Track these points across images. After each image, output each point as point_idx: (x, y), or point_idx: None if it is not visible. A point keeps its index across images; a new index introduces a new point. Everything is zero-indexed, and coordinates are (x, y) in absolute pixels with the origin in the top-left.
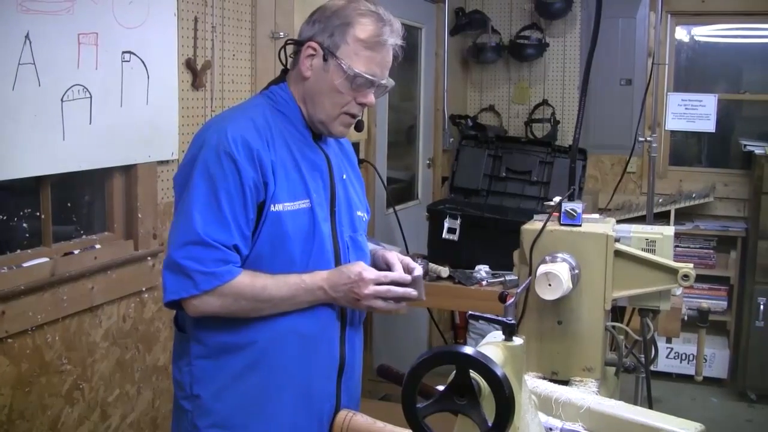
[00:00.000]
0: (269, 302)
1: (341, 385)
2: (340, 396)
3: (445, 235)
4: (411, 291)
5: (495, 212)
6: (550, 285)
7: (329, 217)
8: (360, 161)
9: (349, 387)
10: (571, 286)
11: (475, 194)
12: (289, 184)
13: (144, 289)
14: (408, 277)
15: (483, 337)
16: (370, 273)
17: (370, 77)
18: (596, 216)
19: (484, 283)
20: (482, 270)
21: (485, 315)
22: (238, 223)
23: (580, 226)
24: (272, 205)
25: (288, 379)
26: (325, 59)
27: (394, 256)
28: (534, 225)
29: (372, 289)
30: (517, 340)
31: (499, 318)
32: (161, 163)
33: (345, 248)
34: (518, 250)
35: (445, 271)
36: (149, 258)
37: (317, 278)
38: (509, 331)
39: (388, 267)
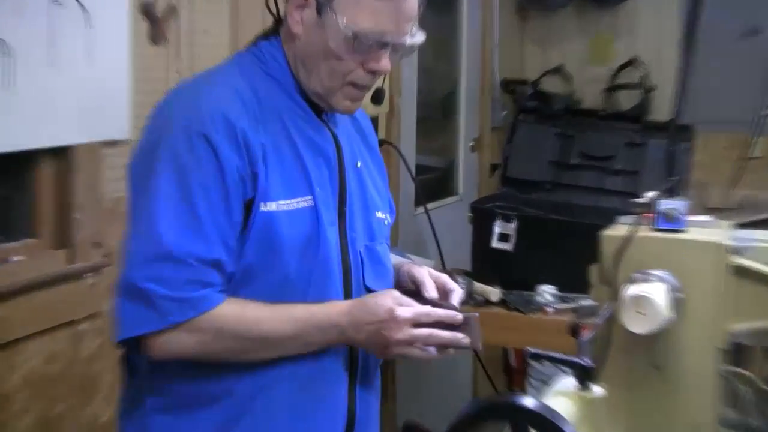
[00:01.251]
0: (264, 342)
1: None
2: None
3: (494, 243)
4: (461, 337)
5: (564, 213)
6: (641, 314)
7: (337, 219)
8: (379, 143)
9: None
10: (670, 315)
11: (537, 188)
12: (284, 174)
13: (81, 317)
14: (459, 316)
15: (548, 384)
16: (406, 311)
17: (378, 36)
18: (706, 218)
19: (549, 309)
20: (546, 292)
21: (551, 354)
22: (220, 229)
23: (683, 232)
24: (262, 204)
25: None
26: (318, 12)
27: (425, 273)
28: (618, 231)
29: (408, 333)
30: (597, 390)
31: (571, 358)
32: (108, 144)
33: (357, 263)
34: (597, 266)
35: (495, 293)
36: (89, 274)
37: (332, 312)
38: (585, 377)
39: (417, 287)
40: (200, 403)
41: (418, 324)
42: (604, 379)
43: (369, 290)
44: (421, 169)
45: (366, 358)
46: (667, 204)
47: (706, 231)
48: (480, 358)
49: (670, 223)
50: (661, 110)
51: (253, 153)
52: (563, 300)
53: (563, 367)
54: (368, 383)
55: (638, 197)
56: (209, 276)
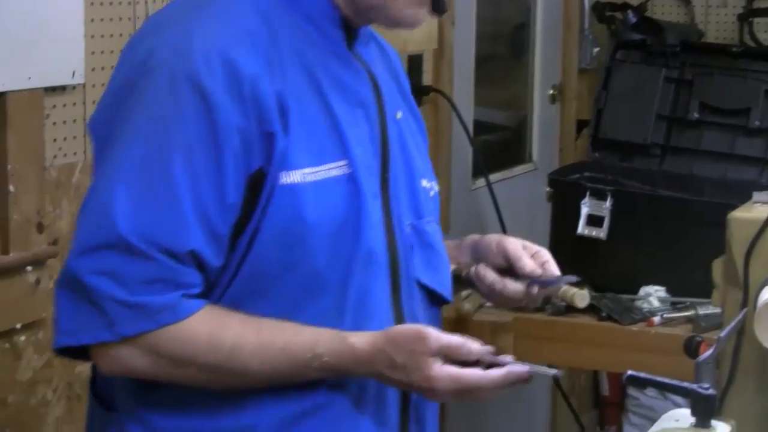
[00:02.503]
0: (241, 377)
1: None
2: None
3: (581, 229)
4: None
5: (677, 188)
6: None
7: (379, 190)
8: (425, 90)
9: None
10: None
11: (641, 153)
12: (310, 133)
13: (19, 326)
14: (523, 370)
15: (653, 420)
16: (445, 382)
17: None
18: None
19: (656, 320)
20: (653, 295)
21: (657, 379)
22: (204, 211)
23: None
24: (283, 174)
25: None
26: None
27: (518, 245)
28: (753, 212)
29: (446, 398)
30: (721, 428)
31: (686, 385)
32: (52, 90)
33: (406, 249)
34: (721, 259)
35: (582, 296)
36: (29, 268)
37: (346, 357)
38: (705, 410)
39: (509, 262)
40: None
41: (462, 390)
42: (730, 412)
43: (421, 285)
44: (481, 127)
45: None
46: None
47: None
48: (560, 385)
49: None
50: None
51: (267, 108)
52: (675, 307)
53: (674, 397)
54: (425, 417)
55: None
56: (180, 274)
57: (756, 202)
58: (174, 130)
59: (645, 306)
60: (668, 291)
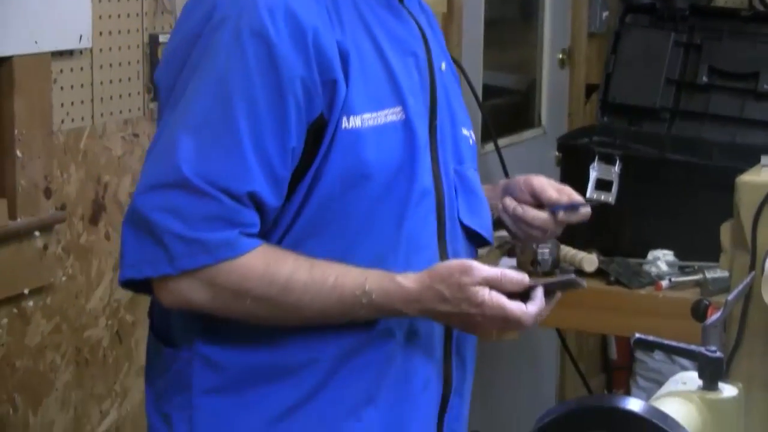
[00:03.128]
0: (293, 312)
1: (443, 425)
2: None
3: (590, 193)
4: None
5: (686, 152)
6: None
7: (428, 136)
8: None
9: (454, 429)
10: None
11: (650, 117)
12: (368, 80)
13: (27, 291)
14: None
15: (660, 383)
16: (494, 306)
17: None
18: None
19: (664, 283)
20: (661, 259)
21: (665, 342)
22: (265, 154)
23: None
24: (345, 119)
25: (364, 424)
26: None
27: (543, 181)
28: (761, 176)
29: (493, 326)
30: (728, 390)
31: (693, 348)
32: (60, 55)
33: (451, 193)
34: (730, 223)
35: (590, 261)
36: (37, 233)
37: (394, 296)
38: (712, 373)
39: (535, 197)
40: (271, 378)
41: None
42: (737, 375)
43: (463, 226)
44: (490, 91)
45: None
46: None
47: None
48: (568, 348)
49: None
50: None
51: (329, 57)
52: (683, 270)
53: (682, 360)
54: (465, 351)
55: None
56: (239, 213)
57: (764, 166)
58: (238, 80)
59: (653, 270)
60: (676, 255)
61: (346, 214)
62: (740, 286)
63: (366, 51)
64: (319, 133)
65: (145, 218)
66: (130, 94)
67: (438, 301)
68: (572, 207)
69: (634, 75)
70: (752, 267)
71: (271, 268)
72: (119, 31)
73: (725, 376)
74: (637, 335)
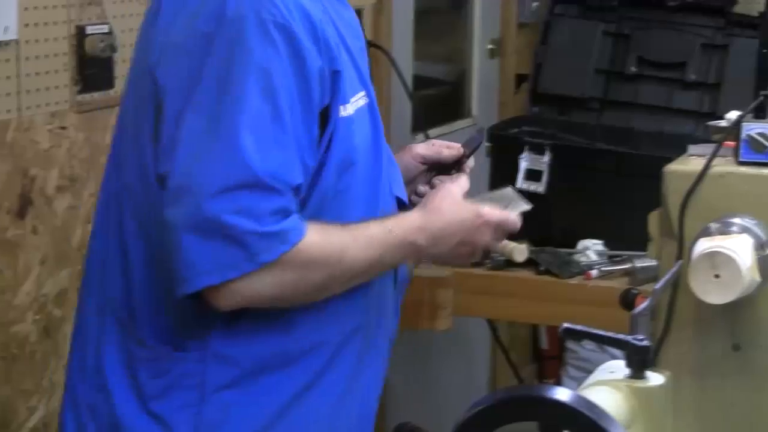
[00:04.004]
0: (347, 273)
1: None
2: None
3: (520, 183)
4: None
5: (615, 141)
6: (717, 277)
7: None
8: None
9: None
10: (757, 279)
11: (579, 107)
12: (345, 68)
13: None
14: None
15: (591, 372)
16: (489, 210)
17: None
18: None
19: (593, 273)
20: (590, 249)
21: (595, 331)
22: (301, 146)
23: None
24: (342, 108)
25: (359, 386)
26: None
27: (427, 144)
28: (688, 165)
29: (491, 234)
30: (656, 379)
31: (622, 337)
32: None
33: (388, 168)
34: (658, 212)
35: (521, 250)
36: None
37: (407, 229)
38: (641, 362)
39: (427, 163)
40: (281, 366)
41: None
42: (665, 363)
43: (397, 199)
44: (420, 82)
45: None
46: (755, 128)
47: None
48: (500, 338)
49: (760, 154)
50: None
51: (332, 48)
52: (613, 260)
53: (612, 350)
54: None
55: (717, 119)
56: (293, 203)
57: (691, 155)
58: (278, 73)
59: (583, 260)
60: (606, 244)
61: (339, 198)
62: (668, 275)
63: (337, 41)
64: (324, 122)
65: (217, 223)
66: (57, 87)
67: (440, 221)
68: (474, 141)
69: (564, 65)
70: (680, 256)
71: (325, 238)
72: (45, 23)
73: (653, 364)
74: (566, 325)
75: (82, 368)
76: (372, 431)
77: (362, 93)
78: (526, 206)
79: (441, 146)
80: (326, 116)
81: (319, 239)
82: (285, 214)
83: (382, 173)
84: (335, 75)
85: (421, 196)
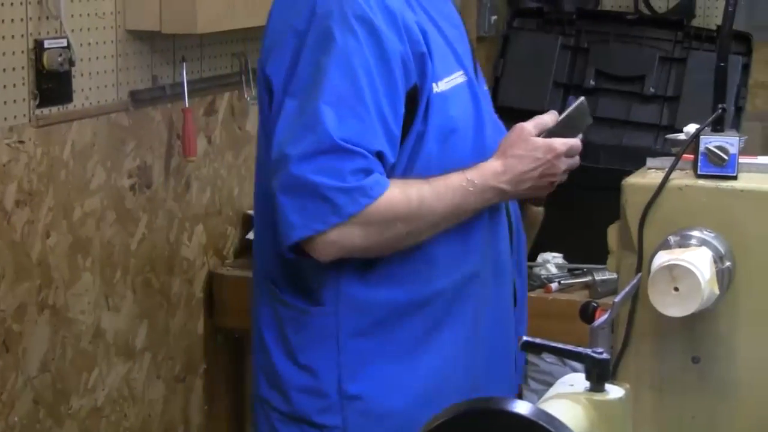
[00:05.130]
0: (429, 221)
1: (516, 333)
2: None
3: None
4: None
5: None
6: (676, 290)
7: (478, 92)
8: None
9: (521, 333)
10: (716, 291)
11: None
12: (439, 51)
13: None
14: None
15: (550, 385)
16: (558, 142)
17: None
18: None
19: (553, 286)
20: (551, 262)
21: (552, 344)
22: (384, 118)
23: (735, 178)
24: (435, 85)
25: (477, 337)
26: None
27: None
28: (647, 178)
29: (568, 161)
30: (615, 391)
31: (581, 350)
32: None
33: (496, 133)
34: (617, 225)
35: None
36: None
37: (486, 174)
38: (600, 374)
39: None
40: (405, 314)
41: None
42: (625, 376)
43: None
44: None
45: (519, 230)
46: (713, 140)
47: (767, 178)
48: None
49: (718, 167)
50: (711, 13)
51: (414, 33)
52: (573, 273)
53: (573, 363)
54: (523, 273)
55: (675, 132)
56: (375, 165)
57: (650, 168)
58: (357, 57)
59: (543, 273)
60: (566, 257)
61: (445, 163)
62: (627, 288)
63: (431, 27)
64: (413, 99)
65: (305, 182)
66: (15, 101)
67: (518, 162)
68: (570, 107)
69: (523, 78)
70: (639, 269)
71: (405, 191)
72: (3, 37)
73: (614, 377)
74: (525, 338)
75: (255, 337)
76: (510, 381)
77: (460, 72)
78: (590, 120)
79: (542, 117)
80: (418, 93)
81: (400, 192)
82: (366, 173)
83: (486, 141)
84: (421, 56)
85: None
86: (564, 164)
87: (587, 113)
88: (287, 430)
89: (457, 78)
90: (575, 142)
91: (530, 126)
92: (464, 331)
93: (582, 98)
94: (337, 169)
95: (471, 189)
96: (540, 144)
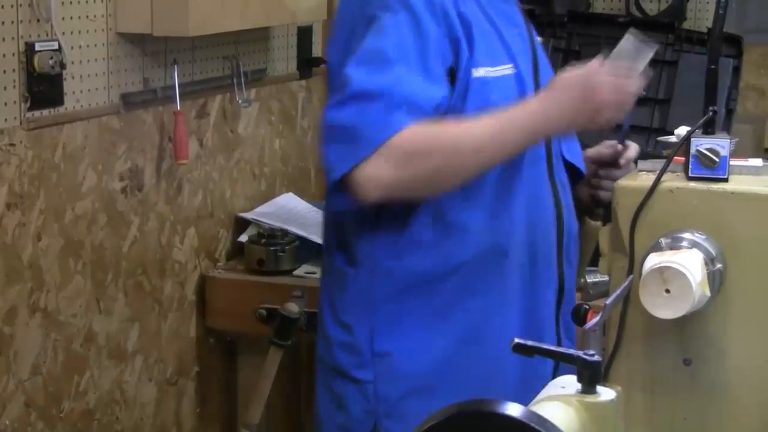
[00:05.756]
0: (467, 147)
1: (560, 317)
2: (560, 334)
3: None
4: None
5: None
6: (668, 292)
7: (534, 89)
8: (315, 61)
9: (567, 320)
10: (707, 293)
11: None
12: (487, 42)
13: None
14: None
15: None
16: (600, 67)
17: None
18: (759, 163)
19: None
20: None
21: (544, 346)
22: (415, 67)
23: (726, 180)
24: (474, 70)
25: (506, 311)
26: None
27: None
28: (638, 180)
29: (614, 81)
30: (606, 393)
31: (572, 352)
32: None
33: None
34: (608, 227)
35: None
36: None
37: (525, 105)
38: (591, 376)
39: (604, 159)
40: (433, 281)
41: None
42: (616, 378)
43: (567, 163)
44: None
45: (570, 220)
46: (704, 143)
47: (759, 180)
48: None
49: (709, 169)
50: (702, 17)
51: (451, 20)
52: None
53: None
54: (572, 257)
55: (666, 134)
56: (400, 104)
57: (641, 171)
58: (388, 29)
59: None
60: None
61: None
62: (618, 290)
63: (482, 21)
64: (452, 80)
65: (335, 125)
66: (6, 104)
67: (557, 90)
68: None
69: None
70: (630, 271)
71: (433, 127)
72: None
73: (605, 379)
74: (517, 340)
75: (318, 303)
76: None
77: (509, 66)
78: (651, 50)
79: (601, 147)
80: (453, 74)
81: (427, 128)
82: (389, 112)
83: None
84: (456, 42)
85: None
86: (606, 89)
87: (642, 45)
88: (335, 384)
89: (505, 70)
90: (619, 65)
91: (572, 69)
92: (491, 304)
93: (628, 33)
94: (362, 110)
95: (515, 125)
96: (578, 70)
